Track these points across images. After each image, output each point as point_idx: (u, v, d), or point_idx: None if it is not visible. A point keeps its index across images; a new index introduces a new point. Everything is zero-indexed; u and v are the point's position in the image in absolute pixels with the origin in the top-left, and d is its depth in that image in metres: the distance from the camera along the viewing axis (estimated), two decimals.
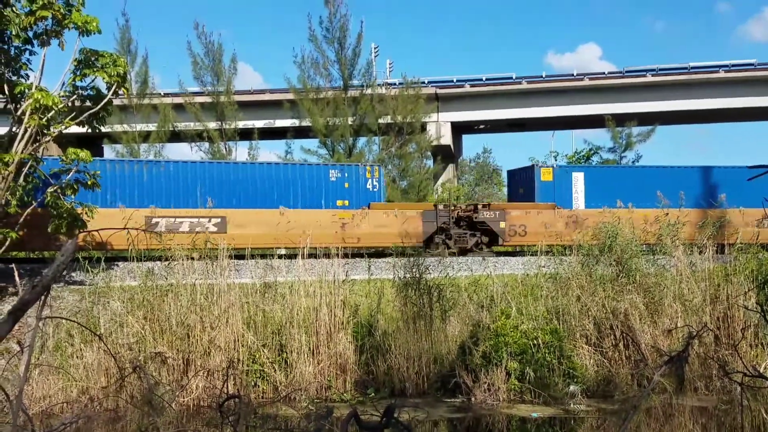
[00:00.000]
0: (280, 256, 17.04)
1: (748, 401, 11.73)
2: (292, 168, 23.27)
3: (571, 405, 12.00)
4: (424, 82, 39.76)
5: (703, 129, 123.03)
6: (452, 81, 47.55)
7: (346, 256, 14.52)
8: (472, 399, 12.16)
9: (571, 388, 12.38)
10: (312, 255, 13.93)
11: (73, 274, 15.67)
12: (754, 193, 22.67)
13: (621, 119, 38.40)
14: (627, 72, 46.43)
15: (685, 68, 45.52)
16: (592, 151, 40.60)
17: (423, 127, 35.88)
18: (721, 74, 44.50)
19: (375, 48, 46.78)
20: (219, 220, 21.20)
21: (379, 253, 23.12)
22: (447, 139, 45.91)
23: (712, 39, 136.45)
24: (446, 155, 45.47)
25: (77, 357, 12.07)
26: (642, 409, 11.47)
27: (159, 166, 21.27)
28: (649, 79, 45.40)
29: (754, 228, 15.00)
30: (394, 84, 38.97)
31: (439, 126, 44.37)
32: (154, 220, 19.96)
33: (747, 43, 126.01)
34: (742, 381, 7.72)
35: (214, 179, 21.74)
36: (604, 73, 47.89)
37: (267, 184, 22.43)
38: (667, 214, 16.18)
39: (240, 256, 15.82)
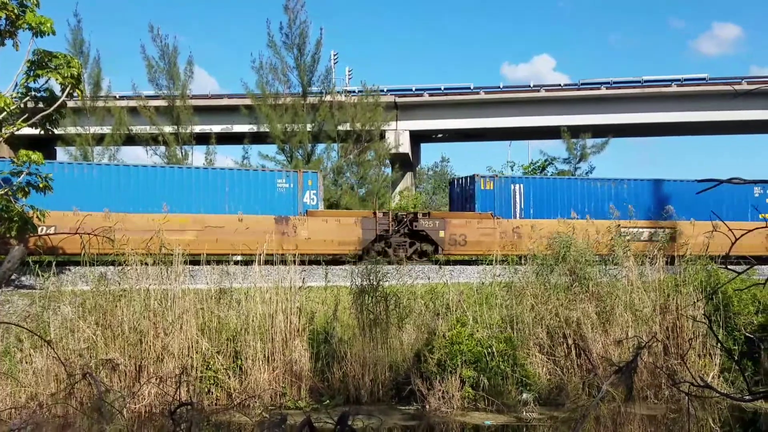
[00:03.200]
0: (236, 263, 16.92)
1: (695, 410, 12.08)
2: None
3: (524, 413, 12.15)
4: (383, 90, 39.90)
5: (655, 142, 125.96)
6: (411, 90, 47.81)
7: (302, 263, 14.48)
8: (427, 407, 12.23)
9: (524, 396, 12.54)
10: (268, 261, 13.86)
11: (23, 278, 15.30)
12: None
13: (576, 131, 39.09)
14: (582, 84, 47.28)
15: (639, 82, 46.55)
16: (548, 162, 41.21)
17: (382, 135, 35.98)
18: (674, 88, 45.62)
19: (334, 55, 46.90)
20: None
21: (336, 260, 23.08)
22: (405, 148, 46.11)
23: (665, 53, 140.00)
24: (405, 163, 45.68)
25: (26, 362, 11.79)
26: (591, 418, 11.66)
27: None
28: (604, 91, 46.30)
29: (704, 239, 15.38)
30: (354, 91, 39.01)
31: (398, 134, 44.55)
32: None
33: (698, 58, 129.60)
34: (689, 391, 7.95)
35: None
36: (560, 85, 48.66)
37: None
38: (619, 225, 16.51)
39: (195, 262, 15.64)
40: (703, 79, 46.01)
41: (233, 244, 20.65)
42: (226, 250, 20.62)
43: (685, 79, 46.00)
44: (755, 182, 4.49)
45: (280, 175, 23.30)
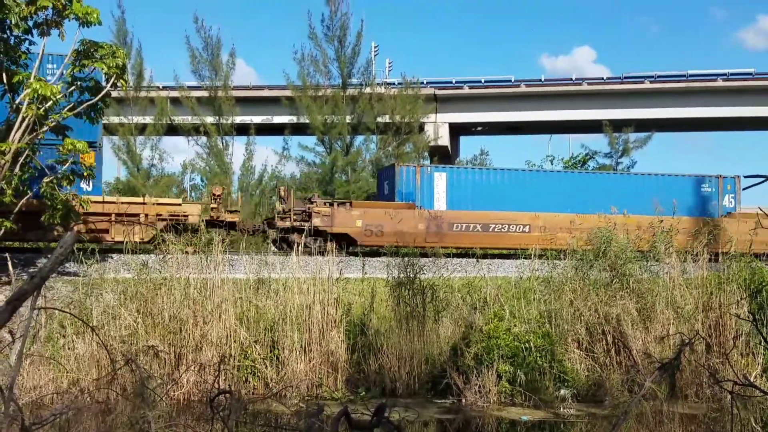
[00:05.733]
0: (274, 253, 17.05)
1: (737, 410, 11.78)
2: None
3: (562, 409, 12.03)
4: (423, 83, 39.82)
5: (698, 136, 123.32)
6: (451, 82, 47.62)
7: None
8: (463, 401, 12.18)
9: (562, 392, 12.42)
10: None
11: (67, 266, 15.64)
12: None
13: (618, 125, 38.53)
14: (625, 78, 46.58)
15: (684, 76, 45.68)
16: (589, 156, 40.72)
17: (421, 128, 35.94)
18: (719, 83, 44.68)
19: (375, 47, 46.86)
20: None
21: (373, 252, 23.09)
22: (445, 140, 45.96)
23: (707, 45, 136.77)
24: (444, 156, 45.56)
25: (69, 348, 12.05)
26: (632, 415, 11.50)
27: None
28: (647, 85, 45.55)
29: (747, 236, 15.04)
30: (393, 83, 39.01)
31: (437, 127, 44.42)
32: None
33: (741, 51, 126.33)
34: (732, 389, 7.77)
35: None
36: (602, 79, 48.03)
37: None
38: (662, 221, 16.22)
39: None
40: (750, 73, 44.95)
41: None
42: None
43: (732, 74, 45.01)
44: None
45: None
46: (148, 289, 12.75)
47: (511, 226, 23.95)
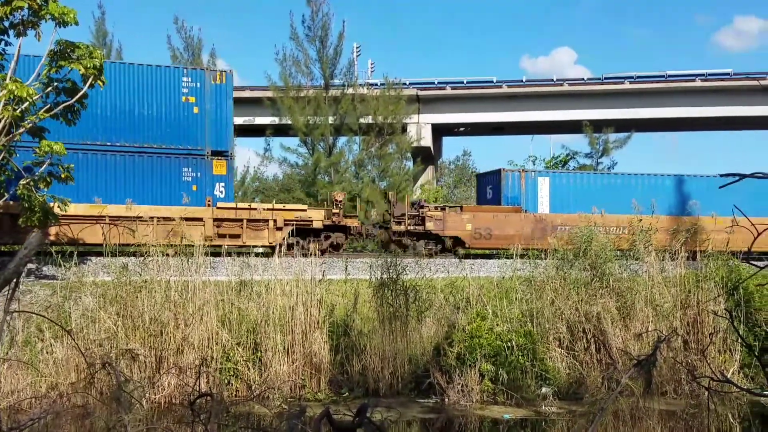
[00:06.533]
0: (256, 255, 17.00)
1: (715, 405, 11.96)
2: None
3: (543, 407, 12.10)
4: (405, 84, 39.83)
5: (679, 137, 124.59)
6: (433, 83, 47.69)
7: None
8: (446, 400, 12.22)
9: (544, 390, 12.48)
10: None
11: (45, 269, 15.48)
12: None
13: (598, 125, 38.78)
14: (605, 79, 46.88)
15: (663, 76, 46.07)
16: (569, 156, 40.95)
17: (403, 128, 35.93)
18: (698, 83, 45.10)
19: (357, 48, 46.80)
20: None
21: (357, 253, 23.12)
22: (427, 141, 46.01)
23: (685, 48, 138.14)
24: (426, 157, 45.58)
25: (47, 352, 11.93)
26: (610, 412, 11.59)
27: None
28: (627, 86, 45.88)
29: (724, 235, 15.18)
30: (376, 84, 38.98)
31: (420, 127, 44.46)
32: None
33: (720, 53, 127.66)
34: (709, 385, 7.85)
35: None
36: (583, 79, 48.29)
37: None
38: (641, 220, 16.33)
39: (216, 254, 15.75)
40: (728, 74, 45.44)
41: None
42: None
43: (710, 74, 45.47)
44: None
45: None
46: (128, 292, 12.65)
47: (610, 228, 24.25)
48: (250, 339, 12.87)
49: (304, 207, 22.46)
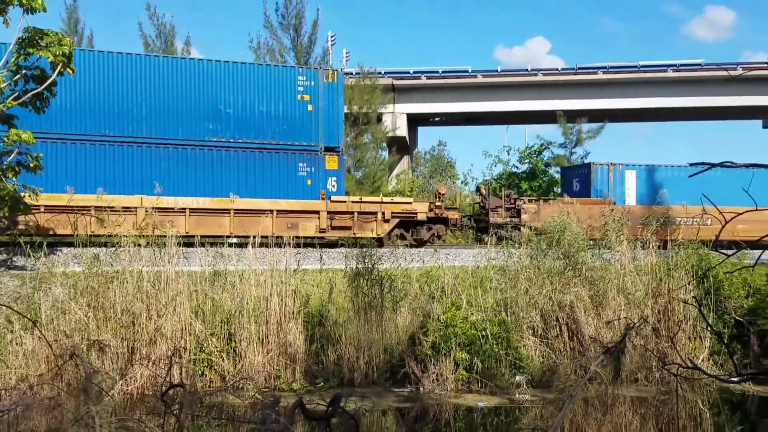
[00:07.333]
0: (230, 245, 16.87)
1: (684, 392, 12.16)
2: None
3: (517, 395, 12.19)
4: (380, 73, 39.76)
5: (652, 126, 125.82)
6: (408, 72, 47.62)
7: (297, 246, 14.48)
8: (421, 389, 12.26)
9: (517, 378, 12.58)
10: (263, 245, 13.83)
11: (15, 259, 15.24)
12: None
13: (572, 115, 39.07)
14: (579, 69, 47.18)
15: (635, 67, 46.48)
16: (544, 147, 41.18)
17: (379, 118, 35.90)
18: (670, 73, 45.58)
19: (332, 36, 46.54)
20: None
21: (331, 243, 23.06)
22: (403, 131, 46.00)
23: (659, 38, 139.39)
24: (402, 147, 45.59)
25: (16, 344, 11.75)
26: (580, 399, 11.72)
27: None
28: (600, 76, 46.22)
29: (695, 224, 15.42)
30: (351, 73, 38.87)
31: (395, 117, 44.42)
32: None
33: (693, 44, 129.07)
34: (678, 372, 7.98)
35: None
36: (557, 70, 48.54)
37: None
38: (612, 209, 16.49)
39: (189, 244, 15.61)
40: (699, 64, 45.98)
41: None
42: None
43: (681, 65, 45.99)
44: (747, 166, 4.48)
45: None
46: (100, 282, 12.50)
47: (692, 219, 24.37)
48: (224, 329, 12.79)
49: (410, 200, 23.59)
